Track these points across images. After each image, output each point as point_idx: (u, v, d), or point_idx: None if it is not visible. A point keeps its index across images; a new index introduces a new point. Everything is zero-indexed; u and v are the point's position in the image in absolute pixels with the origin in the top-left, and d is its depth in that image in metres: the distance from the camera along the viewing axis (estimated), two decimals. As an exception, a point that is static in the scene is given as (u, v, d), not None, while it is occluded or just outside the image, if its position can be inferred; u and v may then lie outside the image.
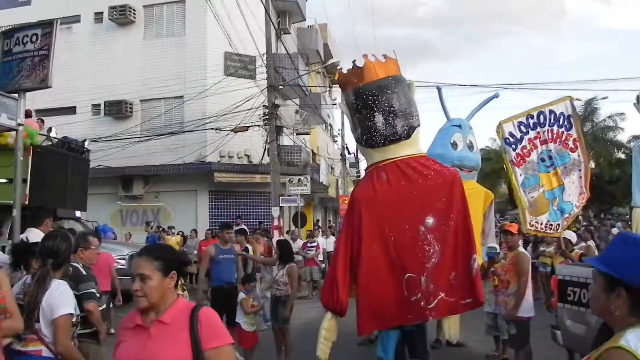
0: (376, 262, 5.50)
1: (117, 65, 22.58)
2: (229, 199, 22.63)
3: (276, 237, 16.93)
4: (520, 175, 8.39)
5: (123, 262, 12.74)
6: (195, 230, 19.43)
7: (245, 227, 18.57)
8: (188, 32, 22.50)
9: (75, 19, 23.53)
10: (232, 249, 8.93)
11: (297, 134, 25.03)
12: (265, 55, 18.97)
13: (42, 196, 10.08)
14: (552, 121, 8.41)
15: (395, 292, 5.41)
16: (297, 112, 24.18)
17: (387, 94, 5.70)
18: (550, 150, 8.39)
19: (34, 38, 7.04)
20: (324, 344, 5.71)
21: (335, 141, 40.64)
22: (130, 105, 22.52)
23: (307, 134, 26.80)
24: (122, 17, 22.65)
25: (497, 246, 7.59)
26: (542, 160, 8.42)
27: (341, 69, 6.43)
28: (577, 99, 8.74)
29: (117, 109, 22.40)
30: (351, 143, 38.92)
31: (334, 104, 36.68)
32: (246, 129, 19.54)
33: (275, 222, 18.65)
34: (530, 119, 8.44)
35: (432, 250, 5.41)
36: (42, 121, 12.91)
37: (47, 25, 7.12)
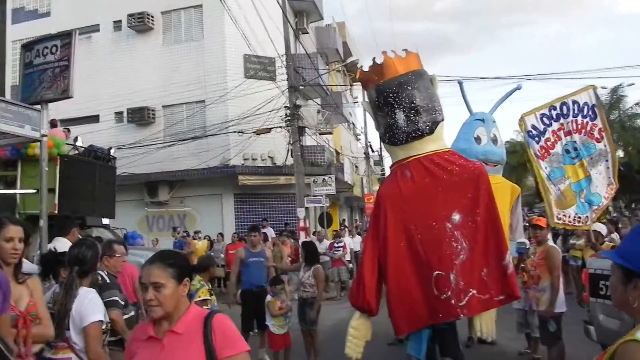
0: (403, 260, 5.45)
1: (138, 72, 22.81)
2: (254, 201, 22.68)
3: (302, 238, 16.92)
4: (545, 168, 8.24)
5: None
6: (221, 234, 19.52)
7: (271, 230, 18.71)
8: (206, 36, 22.61)
9: (95, 28, 23.87)
10: (262, 252, 8.89)
11: (320, 134, 25.01)
12: (284, 56, 18.97)
13: (71, 205, 10.20)
14: (575, 112, 8.26)
15: (424, 290, 5.34)
16: (318, 111, 24.17)
17: (407, 90, 5.64)
18: (575, 142, 8.23)
19: (53, 49, 7.09)
20: (352, 342, 5.68)
21: (358, 139, 40.51)
22: (152, 111, 22.70)
23: (330, 133, 26.77)
24: (140, 24, 22.85)
25: (527, 241, 7.48)
26: (567, 152, 8.27)
27: (362, 67, 6.39)
28: (602, 87, 8.58)
29: (140, 116, 22.59)
30: (374, 141, 38.82)
31: (355, 102, 36.59)
32: (268, 130, 19.54)
33: (301, 223, 18.60)
34: (553, 110, 8.30)
35: (459, 246, 5.33)
36: (69, 130, 13.08)
37: (66, 36, 7.16)
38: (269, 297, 8.08)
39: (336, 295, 15.94)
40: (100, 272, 4.71)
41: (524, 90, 8.84)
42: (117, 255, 5.09)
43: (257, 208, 22.57)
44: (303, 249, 8.89)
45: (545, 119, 8.31)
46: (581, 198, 8.19)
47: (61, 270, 4.28)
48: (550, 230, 8.52)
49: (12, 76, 22.03)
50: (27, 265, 4.43)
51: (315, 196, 20.06)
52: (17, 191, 9.77)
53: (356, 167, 34.44)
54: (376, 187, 25.05)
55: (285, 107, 18.91)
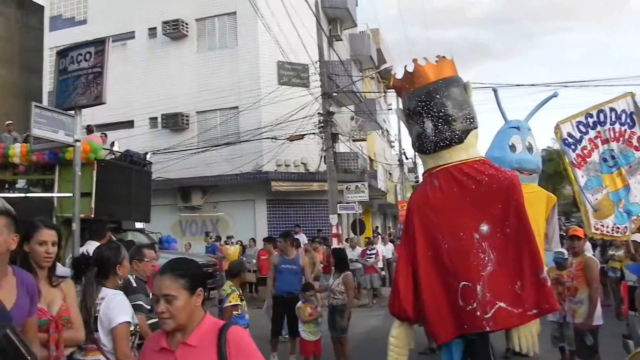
0: (431, 270, 5.40)
1: (172, 78, 23.05)
2: (286, 207, 22.71)
3: (335, 245, 16.87)
4: (582, 177, 8.08)
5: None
6: (253, 240, 19.57)
7: (304, 236, 18.69)
8: (240, 43, 22.74)
9: (130, 35, 24.20)
10: (295, 259, 8.83)
11: (354, 141, 24.93)
12: (317, 62, 18.99)
13: (108, 209, 10.37)
14: (613, 119, 8.09)
15: (450, 301, 5.27)
16: (352, 118, 24.11)
17: (436, 98, 5.56)
18: (613, 150, 8.05)
19: (87, 56, 7.21)
20: (394, 351, 5.64)
21: (392, 147, 40.37)
22: (186, 117, 22.90)
23: (364, 140, 26.68)
24: (175, 31, 23.10)
25: (565, 251, 7.31)
26: (605, 160, 8.09)
27: (394, 74, 6.35)
28: None
29: (174, 122, 22.80)
30: (408, 148, 38.56)
31: (389, 109, 36.48)
32: (302, 137, 19.55)
33: (334, 230, 18.56)
34: (589, 118, 8.14)
35: (487, 258, 5.23)
36: (106, 135, 13.29)
37: (99, 43, 7.28)
38: (299, 303, 8.08)
39: (368, 303, 15.86)
40: (129, 275, 4.73)
41: (562, 97, 8.69)
42: (146, 260, 5.11)
43: (290, 214, 22.60)
44: (333, 256, 8.86)
45: (581, 127, 8.16)
46: (619, 208, 8.00)
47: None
48: (586, 240, 8.34)
49: (49, 83, 22.62)
50: (61, 269, 4.49)
51: (348, 203, 19.98)
52: (54, 195, 9.95)
53: (390, 174, 34.29)
54: (410, 195, 24.90)
55: (319, 113, 18.92)
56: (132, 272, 4.86)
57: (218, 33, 23.49)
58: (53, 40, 23.71)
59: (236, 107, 22.07)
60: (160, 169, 19.12)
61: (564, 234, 11.04)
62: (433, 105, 5.54)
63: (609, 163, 8.07)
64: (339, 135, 20.33)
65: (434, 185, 5.64)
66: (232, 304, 6.40)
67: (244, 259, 16.86)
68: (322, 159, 19.34)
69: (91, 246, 6.10)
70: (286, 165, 21.83)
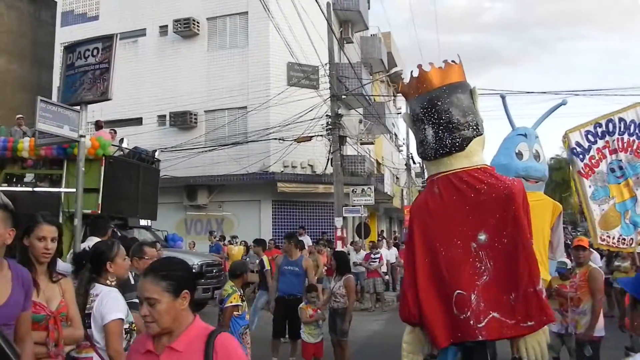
0: (428, 277, 5.37)
1: (182, 76, 23.12)
2: (292, 209, 22.71)
3: (339, 248, 16.84)
4: (589, 186, 8.01)
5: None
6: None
7: (308, 238, 18.67)
8: (251, 43, 22.77)
9: (141, 32, 24.28)
10: (298, 261, 8.83)
11: (361, 144, 24.94)
12: (327, 65, 18.98)
13: (115, 205, 10.38)
14: (622, 129, 8.02)
15: (445, 308, 5.24)
16: (360, 121, 24.11)
17: (437, 105, 5.50)
18: (621, 160, 7.99)
19: (95, 52, 7.21)
20: (408, 357, 5.59)
21: (400, 151, 40.30)
22: (194, 116, 22.94)
23: (371, 143, 26.67)
24: (186, 29, 23.15)
25: (568, 261, 7.23)
26: (612, 170, 8.02)
27: (403, 79, 6.33)
28: None
29: (182, 120, 22.85)
30: (416, 152, 38.50)
31: (398, 113, 36.45)
32: (309, 139, 19.55)
33: (339, 233, 18.53)
34: (598, 127, 8.08)
35: (483, 267, 5.19)
36: (115, 132, 13.31)
37: (107, 39, 7.27)
38: (302, 304, 8.08)
39: (371, 307, 15.80)
40: (128, 273, 4.72)
41: (572, 106, 8.65)
42: (146, 257, 5.09)
43: (295, 216, 22.60)
44: (334, 258, 8.84)
45: (590, 136, 8.09)
46: (626, 219, 7.93)
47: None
48: (592, 251, 8.27)
49: (59, 78, 22.68)
50: (62, 264, 4.49)
51: (353, 206, 19.95)
52: (62, 189, 9.96)
53: (397, 178, 34.23)
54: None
55: (327, 115, 18.92)
56: (132, 269, 4.85)
57: (229, 32, 23.54)
58: (64, 35, 23.77)
59: (245, 107, 22.11)
60: (167, 167, 19.18)
61: (570, 243, 10.96)
62: (434, 112, 5.49)
63: (617, 173, 8.00)
64: (347, 137, 20.32)
65: (434, 192, 5.60)
66: (233, 304, 6.38)
67: (248, 259, 16.83)
68: (329, 161, 19.33)
69: (92, 242, 6.08)
70: (293, 167, 21.84)
